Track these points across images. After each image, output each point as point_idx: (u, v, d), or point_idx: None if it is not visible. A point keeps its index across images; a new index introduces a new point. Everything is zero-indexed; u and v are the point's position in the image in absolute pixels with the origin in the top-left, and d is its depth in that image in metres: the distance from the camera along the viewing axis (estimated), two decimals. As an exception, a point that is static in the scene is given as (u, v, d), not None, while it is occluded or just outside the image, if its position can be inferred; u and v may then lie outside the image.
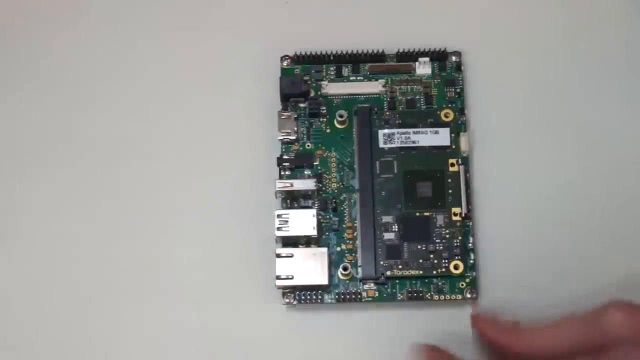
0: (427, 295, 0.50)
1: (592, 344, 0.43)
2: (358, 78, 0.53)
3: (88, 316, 0.51)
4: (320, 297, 0.50)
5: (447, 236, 0.50)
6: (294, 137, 0.52)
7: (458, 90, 0.53)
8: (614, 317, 0.43)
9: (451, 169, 0.51)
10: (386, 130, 0.52)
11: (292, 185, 0.50)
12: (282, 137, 0.52)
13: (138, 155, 0.53)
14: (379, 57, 0.53)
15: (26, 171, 0.53)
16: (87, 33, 0.55)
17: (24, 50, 0.55)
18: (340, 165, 0.52)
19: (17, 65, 0.55)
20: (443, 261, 0.50)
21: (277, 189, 0.50)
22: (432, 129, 0.52)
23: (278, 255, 0.49)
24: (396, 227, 0.50)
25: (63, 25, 0.55)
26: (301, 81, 0.52)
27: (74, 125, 0.53)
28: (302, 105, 0.53)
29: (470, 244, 0.50)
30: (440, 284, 0.50)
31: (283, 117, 0.52)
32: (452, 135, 0.52)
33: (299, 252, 0.50)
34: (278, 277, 0.49)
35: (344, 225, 0.51)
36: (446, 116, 0.52)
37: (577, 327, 0.44)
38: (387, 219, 0.51)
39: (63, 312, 0.51)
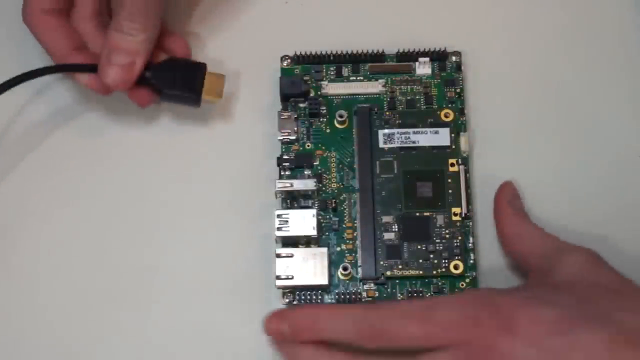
0: (427, 296, 0.50)
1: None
2: (358, 78, 0.53)
3: (88, 316, 0.51)
4: (320, 297, 0.50)
5: (447, 236, 0.50)
6: (294, 137, 0.52)
7: (458, 90, 0.53)
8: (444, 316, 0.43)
9: (451, 169, 0.51)
10: (386, 130, 0.52)
11: (292, 185, 0.50)
12: (282, 137, 0.52)
13: (138, 155, 0.53)
14: (379, 57, 0.53)
15: (26, 171, 0.53)
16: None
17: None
18: (340, 165, 0.52)
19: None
20: (443, 261, 0.50)
21: (277, 189, 0.50)
22: (432, 129, 0.52)
23: (278, 255, 0.49)
24: (396, 227, 0.50)
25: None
26: (301, 81, 0.52)
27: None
28: (302, 105, 0.53)
29: (470, 244, 0.50)
30: (440, 284, 0.50)
31: (283, 117, 0.52)
32: (452, 135, 0.52)
33: (299, 252, 0.50)
34: (278, 277, 0.49)
35: (344, 225, 0.51)
36: (446, 116, 0.52)
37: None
38: (387, 219, 0.51)
39: (63, 312, 0.51)
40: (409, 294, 0.50)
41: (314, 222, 0.50)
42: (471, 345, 0.42)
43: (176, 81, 0.50)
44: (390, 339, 0.43)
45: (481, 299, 0.43)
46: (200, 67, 0.51)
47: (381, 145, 0.52)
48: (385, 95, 0.53)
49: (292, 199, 0.51)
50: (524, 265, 0.49)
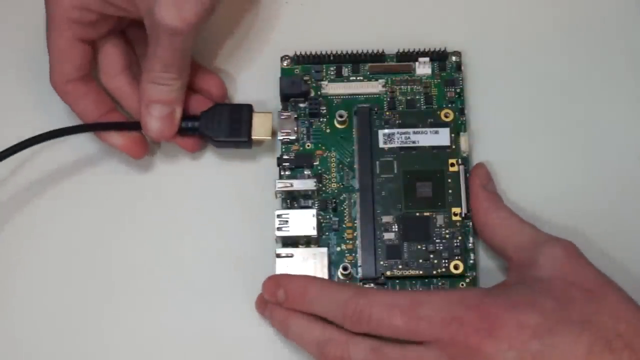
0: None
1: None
2: (358, 78, 0.53)
3: (88, 317, 0.51)
4: (320, 297, 0.50)
5: (447, 236, 0.50)
6: (294, 137, 0.52)
7: (458, 90, 0.53)
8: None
9: (451, 169, 0.51)
10: (386, 130, 0.52)
11: (292, 185, 0.50)
12: (282, 137, 0.52)
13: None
14: (379, 57, 0.53)
15: (28, 178, 0.53)
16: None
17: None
18: (340, 165, 0.52)
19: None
20: (443, 261, 0.50)
21: (277, 189, 0.50)
22: (432, 129, 0.52)
23: (278, 255, 0.49)
24: (396, 227, 0.50)
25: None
26: (301, 81, 0.52)
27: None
28: (302, 105, 0.53)
29: (470, 244, 0.50)
30: (440, 284, 0.50)
31: (283, 117, 0.52)
32: (452, 135, 0.52)
33: (299, 252, 0.50)
34: (278, 277, 0.49)
35: (344, 225, 0.51)
36: (446, 116, 0.52)
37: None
38: (387, 219, 0.51)
39: (63, 312, 0.51)
40: (409, 294, 0.50)
41: (314, 222, 0.50)
42: (456, 345, 0.43)
43: (225, 128, 0.51)
44: (374, 326, 0.44)
45: (469, 300, 0.44)
46: (247, 109, 0.52)
47: (381, 145, 0.52)
48: (385, 95, 0.53)
49: (292, 199, 0.51)
50: (501, 253, 0.49)
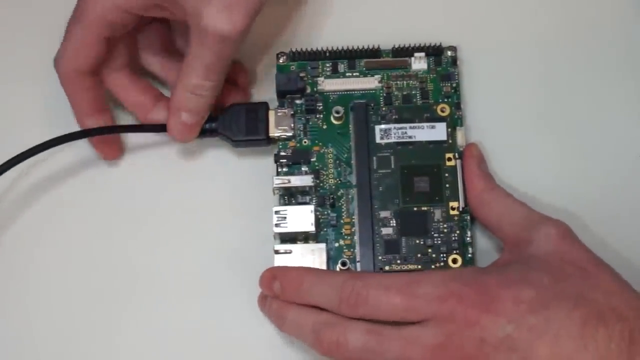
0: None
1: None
2: (354, 74, 0.53)
3: (87, 317, 0.51)
4: (319, 292, 0.50)
5: (445, 230, 0.50)
6: (290, 134, 0.52)
7: (454, 85, 0.53)
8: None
9: (448, 163, 0.51)
10: (383, 126, 0.52)
11: (289, 181, 0.50)
12: (278, 134, 0.52)
13: (137, 155, 0.53)
14: (374, 52, 0.53)
15: (27, 179, 0.53)
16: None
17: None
18: (338, 161, 0.52)
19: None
20: (441, 255, 0.50)
21: (275, 186, 0.50)
22: (428, 124, 0.52)
23: (276, 252, 0.50)
24: (394, 222, 0.50)
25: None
26: (297, 78, 0.53)
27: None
28: (298, 101, 0.53)
29: (468, 238, 0.50)
30: (439, 278, 0.50)
31: (279, 113, 0.52)
32: (449, 129, 0.52)
33: (298, 248, 0.50)
34: (277, 274, 0.49)
35: (342, 221, 0.51)
36: (442, 111, 0.52)
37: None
38: (384, 214, 0.51)
39: (63, 312, 0.51)
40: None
41: (312, 218, 0.50)
42: (454, 320, 0.43)
43: (243, 127, 0.51)
44: (372, 308, 0.44)
45: (466, 277, 0.44)
46: (263, 107, 0.52)
47: (378, 140, 0.52)
48: (381, 91, 0.53)
49: (289, 196, 0.51)
50: (495, 231, 0.49)
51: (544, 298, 0.43)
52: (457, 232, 0.50)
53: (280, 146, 0.52)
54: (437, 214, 0.51)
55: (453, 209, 0.50)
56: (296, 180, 0.50)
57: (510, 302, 0.43)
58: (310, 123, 0.53)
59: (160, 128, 0.51)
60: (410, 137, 0.52)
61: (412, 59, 0.53)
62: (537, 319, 0.42)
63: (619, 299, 0.43)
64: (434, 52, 0.53)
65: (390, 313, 0.44)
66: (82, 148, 0.53)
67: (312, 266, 0.49)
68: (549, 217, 0.48)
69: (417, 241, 0.50)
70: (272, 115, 0.52)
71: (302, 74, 0.53)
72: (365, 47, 0.53)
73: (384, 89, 0.53)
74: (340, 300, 0.45)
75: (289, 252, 0.49)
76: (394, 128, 0.52)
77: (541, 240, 0.46)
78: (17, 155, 0.50)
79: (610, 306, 0.43)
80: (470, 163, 0.51)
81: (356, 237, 0.50)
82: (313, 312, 0.46)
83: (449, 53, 0.53)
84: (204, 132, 0.52)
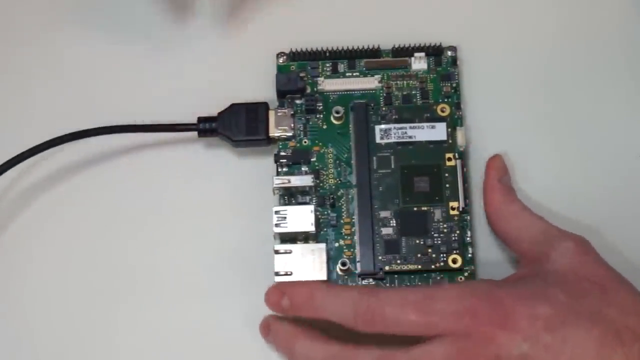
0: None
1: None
2: (354, 74, 0.53)
3: (87, 317, 0.51)
4: (319, 292, 0.50)
5: (445, 230, 0.50)
6: (290, 134, 0.52)
7: (454, 85, 0.53)
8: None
9: (448, 163, 0.51)
10: (383, 126, 0.52)
11: (289, 181, 0.50)
12: (279, 134, 0.52)
13: (138, 155, 0.53)
14: (374, 52, 0.53)
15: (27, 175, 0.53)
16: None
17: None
18: (338, 161, 0.52)
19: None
20: (441, 255, 0.50)
21: (275, 186, 0.50)
22: (428, 124, 0.52)
23: (277, 252, 0.50)
24: (394, 222, 0.50)
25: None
26: (297, 78, 0.53)
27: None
28: (298, 101, 0.53)
29: (468, 238, 0.50)
30: (439, 278, 0.50)
31: (279, 113, 0.52)
32: (449, 129, 0.52)
33: (298, 248, 0.50)
34: (277, 274, 0.49)
35: (342, 221, 0.51)
36: (442, 111, 0.52)
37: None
38: (384, 214, 0.51)
39: (63, 312, 0.51)
40: (408, 289, 0.50)
41: (312, 218, 0.50)
42: (469, 336, 0.42)
43: (243, 127, 0.52)
44: (388, 325, 0.44)
45: (482, 292, 0.44)
46: (263, 107, 0.52)
47: (378, 140, 0.52)
48: (381, 91, 0.53)
49: (289, 196, 0.51)
50: (512, 246, 0.49)
51: (561, 315, 0.42)
52: (457, 232, 0.50)
53: (280, 146, 0.52)
54: (437, 214, 0.51)
55: (453, 209, 0.50)
56: (296, 180, 0.50)
57: (526, 319, 0.42)
58: (310, 123, 0.53)
59: (164, 128, 0.51)
60: (410, 137, 0.52)
61: (412, 59, 0.53)
62: (553, 337, 0.42)
63: (636, 318, 0.43)
64: (434, 52, 0.53)
65: (407, 329, 0.44)
66: (82, 148, 0.53)
67: (312, 267, 0.49)
68: (567, 232, 0.47)
69: (417, 241, 0.50)
70: (272, 115, 0.52)
71: (302, 74, 0.53)
72: (365, 47, 0.53)
73: (384, 89, 0.53)
74: (356, 316, 0.44)
75: (289, 252, 0.49)
76: (394, 128, 0.52)
77: (558, 256, 0.46)
78: (17, 155, 0.50)
79: (628, 325, 0.42)
80: (491, 175, 0.50)
81: (356, 237, 0.51)
82: (321, 344, 0.46)
83: (449, 53, 0.54)
84: (204, 132, 0.52)
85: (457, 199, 0.51)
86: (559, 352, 0.42)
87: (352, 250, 0.50)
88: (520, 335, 0.42)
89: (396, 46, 0.53)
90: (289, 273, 0.49)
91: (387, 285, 0.50)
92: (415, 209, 0.51)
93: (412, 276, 0.50)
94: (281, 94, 0.53)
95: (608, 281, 0.44)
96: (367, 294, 0.44)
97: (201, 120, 0.52)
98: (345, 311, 0.45)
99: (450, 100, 0.53)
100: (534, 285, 0.44)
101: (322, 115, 0.53)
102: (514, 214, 0.49)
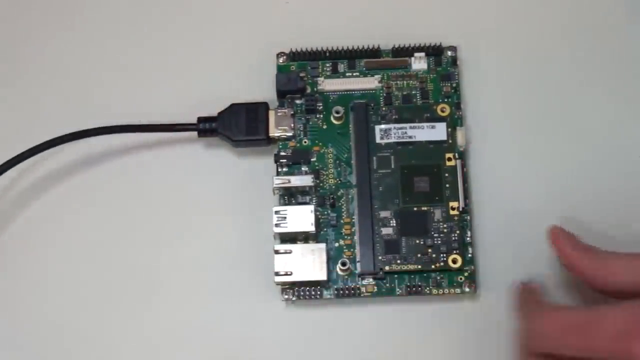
0: (425, 290, 0.50)
1: None
2: (354, 74, 0.54)
3: (87, 317, 0.51)
4: (319, 292, 0.50)
5: (445, 230, 0.50)
6: (290, 134, 0.52)
7: (454, 85, 0.53)
8: None
9: (448, 163, 0.51)
10: (383, 126, 0.52)
11: (289, 181, 0.50)
12: (278, 134, 0.52)
13: (138, 155, 0.54)
14: (374, 52, 0.54)
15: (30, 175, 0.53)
16: None
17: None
18: (338, 161, 0.52)
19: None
20: (441, 255, 0.50)
21: (275, 186, 0.50)
22: (428, 124, 0.52)
23: (276, 252, 0.50)
24: (394, 222, 0.51)
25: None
26: (297, 78, 0.53)
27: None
28: (298, 101, 0.53)
29: (468, 238, 0.51)
30: (438, 278, 0.50)
31: (279, 113, 0.52)
32: (449, 129, 0.52)
33: (298, 248, 0.50)
34: (277, 274, 0.49)
35: (342, 221, 0.51)
36: (442, 111, 0.52)
37: None
38: (384, 214, 0.51)
39: (64, 312, 0.51)
40: (408, 289, 0.50)
41: (312, 218, 0.50)
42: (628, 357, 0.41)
43: (243, 127, 0.52)
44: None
45: None
46: (263, 107, 0.52)
47: (378, 140, 0.52)
48: (381, 91, 0.53)
49: (289, 196, 0.51)
50: (627, 295, 0.46)
51: None
52: (457, 232, 0.50)
53: (281, 146, 0.52)
54: (437, 214, 0.51)
55: (453, 209, 0.51)
56: (296, 180, 0.50)
57: None
58: (310, 123, 0.53)
59: (164, 128, 0.52)
60: (410, 137, 0.52)
61: (412, 59, 0.53)
62: None
63: None
64: (434, 52, 0.53)
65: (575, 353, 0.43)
66: (82, 148, 0.53)
67: (312, 266, 0.49)
68: None
69: (417, 241, 0.50)
70: (272, 115, 0.52)
71: (302, 74, 0.53)
72: (365, 47, 0.53)
73: (384, 89, 0.53)
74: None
75: (289, 252, 0.50)
76: (394, 128, 0.52)
77: None
78: (18, 155, 0.50)
79: None
80: (564, 249, 0.48)
81: (356, 237, 0.51)
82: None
83: (449, 53, 0.54)
84: (204, 132, 0.52)
85: (457, 199, 0.51)
86: None
87: (352, 250, 0.51)
88: None
89: (396, 46, 0.53)
90: (289, 273, 0.49)
91: (387, 284, 0.50)
92: (415, 209, 0.51)
93: (412, 276, 0.50)
94: (281, 94, 0.53)
95: None
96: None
97: (201, 120, 0.52)
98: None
99: (450, 100, 0.53)
100: None
101: (322, 115, 0.53)
102: (608, 268, 0.46)
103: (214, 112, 0.52)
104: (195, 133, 0.52)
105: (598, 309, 0.44)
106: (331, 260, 0.50)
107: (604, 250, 0.47)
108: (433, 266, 0.50)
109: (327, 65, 0.54)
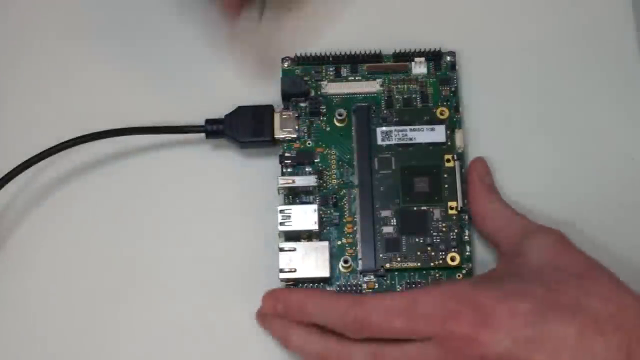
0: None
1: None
2: (356, 78, 0.54)
3: (90, 315, 0.51)
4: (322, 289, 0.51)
5: (444, 229, 0.51)
6: (295, 136, 0.53)
7: (453, 88, 0.54)
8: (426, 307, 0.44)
9: (447, 164, 0.52)
10: (384, 128, 0.53)
11: (293, 181, 0.51)
12: (283, 136, 0.53)
13: (141, 155, 0.54)
14: (376, 57, 0.54)
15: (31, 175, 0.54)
16: None
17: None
18: (340, 162, 0.53)
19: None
20: (440, 253, 0.51)
21: (280, 186, 0.51)
22: (428, 126, 0.53)
23: (281, 249, 0.50)
24: (395, 221, 0.51)
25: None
26: (302, 81, 0.53)
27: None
28: (302, 104, 0.54)
29: (466, 237, 0.51)
30: (437, 275, 0.51)
31: (284, 116, 0.53)
32: (448, 132, 0.53)
33: (301, 246, 0.50)
34: (281, 270, 0.50)
35: (344, 220, 0.52)
36: (441, 114, 0.53)
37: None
38: (385, 213, 0.51)
39: (64, 312, 0.51)
40: (408, 286, 0.51)
41: (315, 217, 0.50)
42: (453, 338, 0.43)
43: (249, 129, 0.52)
44: (375, 332, 0.45)
45: (462, 293, 0.44)
46: (268, 110, 0.53)
47: (379, 142, 0.53)
48: (382, 94, 0.54)
49: (294, 195, 0.52)
50: (493, 242, 0.50)
51: (540, 310, 0.43)
52: (456, 230, 0.51)
53: (285, 147, 0.53)
54: (437, 213, 0.51)
55: (452, 208, 0.51)
56: (300, 181, 0.51)
57: (506, 317, 0.43)
58: (314, 125, 0.53)
59: (172, 130, 0.52)
60: (410, 139, 0.53)
61: (413, 63, 0.54)
62: (533, 332, 0.42)
63: (617, 305, 0.43)
64: (434, 57, 0.54)
65: (393, 335, 0.44)
66: (93, 150, 0.53)
67: (315, 264, 0.50)
68: (544, 226, 0.48)
69: (417, 239, 0.51)
70: (277, 118, 0.53)
71: (306, 78, 0.54)
72: (367, 52, 0.54)
73: (385, 92, 0.54)
74: (345, 326, 0.45)
75: (293, 250, 0.50)
76: (395, 130, 0.53)
77: (534, 251, 0.46)
78: (30, 158, 0.51)
79: (608, 313, 0.42)
80: (473, 177, 0.51)
81: (358, 236, 0.51)
82: (317, 337, 0.46)
83: (448, 58, 0.54)
84: (211, 134, 0.53)
85: (455, 199, 0.51)
86: (540, 345, 0.42)
87: (354, 248, 0.51)
88: (502, 333, 0.42)
89: (397, 51, 0.54)
90: (293, 270, 0.50)
91: (388, 281, 0.51)
92: (415, 208, 0.52)
93: (412, 273, 0.51)
94: (286, 97, 0.53)
95: (586, 270, 0.45)
96: (354, 304, 0.45)
97: (209, 122, 0.53)
98: (334, 320, 0.46)
99: (449, 103, 0.53)
100: (512, 282, 0.45)
101: (325, 118, 0.53)
102: (494, 212, 0.50)
103: (221, 114, 0.53)
104: (203, 135, 0.53)
105: (418, 291, 0.45)
106: (334, 258, 0.51)
107: (502, 200, 0.50)
108: (432, 264, 0.51)
109: (331, 69, 0.54)
